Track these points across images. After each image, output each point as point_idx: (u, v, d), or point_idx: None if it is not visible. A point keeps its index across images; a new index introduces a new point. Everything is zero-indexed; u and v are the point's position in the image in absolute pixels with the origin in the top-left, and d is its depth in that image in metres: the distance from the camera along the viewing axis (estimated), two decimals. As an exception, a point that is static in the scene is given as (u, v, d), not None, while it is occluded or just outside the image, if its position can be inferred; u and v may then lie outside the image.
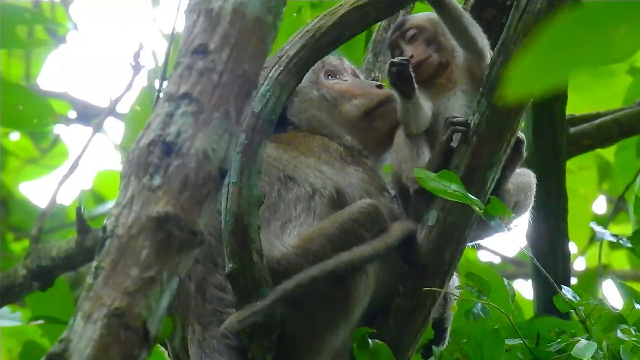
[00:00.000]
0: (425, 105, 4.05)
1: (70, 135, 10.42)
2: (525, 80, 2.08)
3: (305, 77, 4.11)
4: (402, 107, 4.04)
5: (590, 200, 6.68)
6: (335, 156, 4.09)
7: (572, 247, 8.01)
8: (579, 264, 8.60)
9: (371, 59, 4.73)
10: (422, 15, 4.26)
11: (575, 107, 5.30)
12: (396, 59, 4.00)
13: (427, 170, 3.86)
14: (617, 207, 4.94)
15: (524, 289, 8.69)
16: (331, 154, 4.10)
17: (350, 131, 4.20)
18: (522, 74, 2.07)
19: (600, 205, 8.71)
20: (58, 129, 8.82)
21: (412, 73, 3.97)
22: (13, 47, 5.89)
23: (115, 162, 9.77)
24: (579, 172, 6.29)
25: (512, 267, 8.61)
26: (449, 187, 3.78)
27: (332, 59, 4.33)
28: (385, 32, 4.74)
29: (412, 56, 4.14)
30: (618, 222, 8.39)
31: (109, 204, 8.82)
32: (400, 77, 3.99)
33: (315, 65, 4.08)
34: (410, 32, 4.21)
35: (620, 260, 8.25)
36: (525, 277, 8.25)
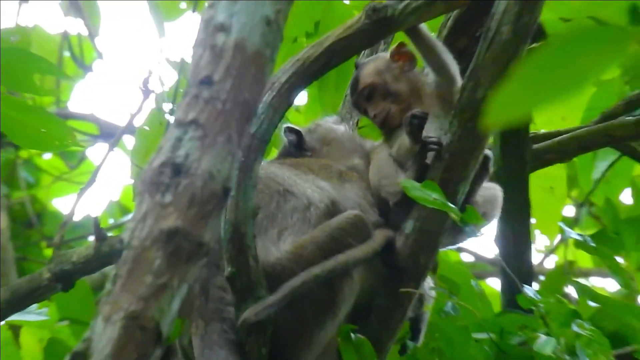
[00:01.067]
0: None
1: (96, 153, 10.44)
2: (503, 111, 2.10)
3: (331, 119, 4.22)
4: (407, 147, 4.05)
5: (560, 205, 6.73)
6: (335, 174, 4.12)
7: (545, 243, 8.11)
8: (549, 262, 8.70)
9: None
10: (369, 70, 4.25)
11: (541, 117, 5.34)
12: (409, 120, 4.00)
13: (413, 181, 3.88)
14: (583, 209, 4.99)
15: (498, 285, 8.69)
16: (331, 172, 4.12)
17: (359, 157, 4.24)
18: (500, 106, 2.10)
19: (569, 211, 8.83)
20: (85, 148, 8.85)
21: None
22: (32, 93, 5.91)
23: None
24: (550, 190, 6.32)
25: (490, 267, 8.62)
26: (431, 195, 3.80)
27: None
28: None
29: (375, 115, 4.16)
30: (586, 227, 8.46)
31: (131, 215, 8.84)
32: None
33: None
34: (365, 92, 4.22)
35: (586, 258, 8.28)
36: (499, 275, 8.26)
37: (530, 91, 2.09)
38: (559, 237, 8.51)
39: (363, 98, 4.23)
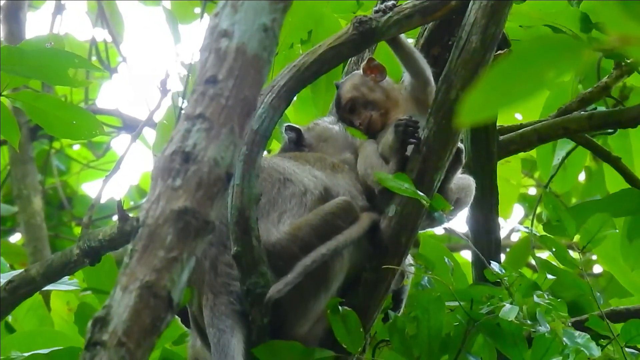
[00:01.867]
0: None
1: (119, 143, 10.52)
2: (473, 111, 2.10)
3: (327, 119, 4.20)
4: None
5: (517, 187, 6.79)
6: (329, 166, 4.10)
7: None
8: (515, 236, 8.71)
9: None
10: (348, 87, 4.24)
11: (504, 116, 5.34)
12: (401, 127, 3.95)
13: (385, 173, 3.88)
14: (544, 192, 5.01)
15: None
16: (325, 164, 4.11)
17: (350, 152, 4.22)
18: (470, 107, 2.09)
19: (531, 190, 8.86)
20: (110, 138, 8.92)
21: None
22: (66, 85, 5.96)
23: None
24: (507, 164, 6.40)
25: (463, 240, 8.58)
26: (403, 185, 3.79)
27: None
28: (356, 65, 4.74)
29: (360, 123, 4.14)
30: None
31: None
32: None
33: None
34: (347, 106, 4.22)
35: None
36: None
37: (496, 94, 2.08)
38: (520, 215, 8.62)
39: (347, 111, 4.24)
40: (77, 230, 9.17)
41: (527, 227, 4.14)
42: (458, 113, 2.07)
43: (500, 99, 2.08)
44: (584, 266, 4.11)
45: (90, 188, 9.71)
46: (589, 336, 3.66)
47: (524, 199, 8.70)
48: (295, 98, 4.01)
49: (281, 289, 3.74)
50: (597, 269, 8.14)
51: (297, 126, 4.35)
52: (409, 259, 4.11)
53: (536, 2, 4.53)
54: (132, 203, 9.16)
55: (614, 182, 5.47)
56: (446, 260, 4.03)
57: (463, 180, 4.11)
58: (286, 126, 4.35)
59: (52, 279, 4.85)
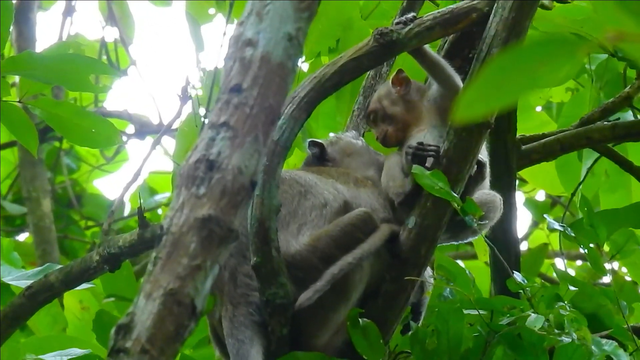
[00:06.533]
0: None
1: (130, 144, 10.60)
2: (470, 108, 2.09)
3: (350, 134, 4.20)
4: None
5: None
6: (352, 180, 4.09)
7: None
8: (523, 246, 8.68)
9: (362, 101, 4.72)
10: (375, 97, 4.24)
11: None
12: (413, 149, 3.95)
13: (422, 168, 3.84)
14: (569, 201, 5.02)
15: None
16: (349, 179, 4.10)
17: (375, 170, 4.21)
18: (467, 104, 2.09)
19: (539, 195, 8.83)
20: (124, 143, 8.96)
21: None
22: (87, 91, 5.99)
23: (163, 165, 9.95)
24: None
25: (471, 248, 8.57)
26: (437, 184, 3.77)
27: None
28: (374, 79, 4.72)
29: (377, 137, 4.16)
30: (554, 213, 8.45)
31: (159, 196, 8.95)
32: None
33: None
34: (371, 116, 4.21)
35: (556, 242, 8.24)
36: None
37: (491, 91, 2.08)
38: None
39: (370, 121, 4.24)
40: (88, 232, 9.21)
41: (561, 225, 4.09)
42: (456, 109, 2.07)
43: (496, 95, 2.07)
44: (597, 276, 4.09)
45: (101, 185, 9.75)
46: (616, 343, 3.63)
47: (535, 205, 8.66)
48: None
49: (310, 297, 3.72)
50: (606, 278, 8.11)
51: (320, 141, 4.34)
52: (429, 271, 4.09)
53: (562, 8, 4.51)
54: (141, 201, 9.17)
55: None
56: (468, 272, 4.00)
57: (486, 196, 4.05)
58: (309, 141, 4.33)
59: (71, 285, 4.86)
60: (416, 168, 3.83)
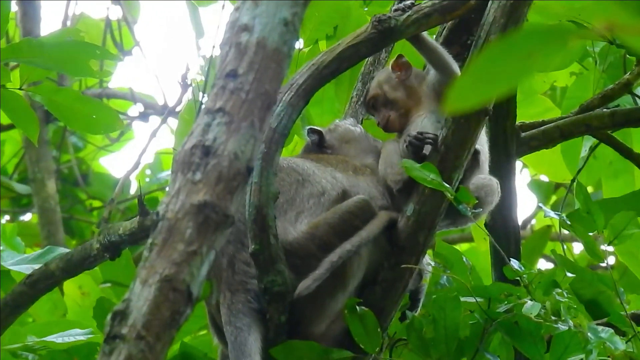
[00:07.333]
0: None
1: (135, 124, 10.64)
2: (462, 97, 2.08)
3: (349, 121, 4.17)
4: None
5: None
6: (351, 168, 4.08)
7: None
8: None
9: (360, 87, 4.71)
10: (374, 83, 4.23)
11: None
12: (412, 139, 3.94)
13: (413, 161, 3.83)
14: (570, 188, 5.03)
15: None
16: (348, 166, 4.08)
17: (373, 157, 4.19)
18: (460, 92, 2.08)
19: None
20: (126, 126, 8.99)
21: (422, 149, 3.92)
22: (88, 77, 5.98)
23: (170, 144, 10.03)
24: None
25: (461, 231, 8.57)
26: (428, 175, 3.76)
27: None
28: (372, 66, 4.71)
29: (378, 123, 4.13)
30: (559, 194, 8.46)
31: (164, 173, 8.98)
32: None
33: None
34: (371, 102, 4.19)
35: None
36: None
37: (484, 79, 2.07)
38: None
39: (370, 107, 4.21)
40: (93, 211, 9.20)
41: (557, 213, 4.08)
42: (449, 97, 2.06)
43: (488, 84, 2.06)
44: (602, 260, 4.08)
45: (107, 162, 9.79)
46: (612, 330, 3.62)
47: (538, 185, 8.65)
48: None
49: (309, 285, 3.71)
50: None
51: (319, 128, 4.33)
52: (427, 259, 4.08)
53: (558, -2, 4.51)
54: (147, 180, 9.17)
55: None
56: (465, 260, 3.99)
57: (483, 180, 4.05)
58: (308, 129, 4.32)
59: (72, 273, 4.86)
60: (406, 161, 3.81)
